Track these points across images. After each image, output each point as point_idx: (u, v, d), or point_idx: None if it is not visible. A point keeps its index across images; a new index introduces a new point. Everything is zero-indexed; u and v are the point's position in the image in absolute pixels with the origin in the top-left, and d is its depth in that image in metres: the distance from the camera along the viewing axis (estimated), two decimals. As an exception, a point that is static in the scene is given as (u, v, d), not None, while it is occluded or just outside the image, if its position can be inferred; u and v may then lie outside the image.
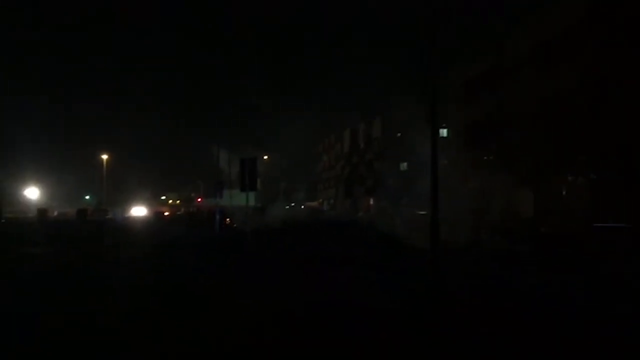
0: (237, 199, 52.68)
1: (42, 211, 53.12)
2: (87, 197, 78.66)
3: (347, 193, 60.71)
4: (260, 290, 8.78)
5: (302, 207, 67.32)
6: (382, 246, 17.31)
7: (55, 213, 63.43)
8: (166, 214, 59.88)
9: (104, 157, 68.80)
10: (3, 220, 43.88)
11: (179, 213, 66.77)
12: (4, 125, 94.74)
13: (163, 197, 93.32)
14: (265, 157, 66.30)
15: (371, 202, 55.68)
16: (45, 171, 66.59)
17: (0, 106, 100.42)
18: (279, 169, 70.68)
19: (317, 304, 7.53)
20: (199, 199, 78.30)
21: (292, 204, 71.08)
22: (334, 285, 9.27)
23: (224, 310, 7.21)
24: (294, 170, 73.62)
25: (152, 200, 78.52)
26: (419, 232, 19.87)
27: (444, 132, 34.94)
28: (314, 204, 70.13)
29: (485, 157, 32.46)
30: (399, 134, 47.48)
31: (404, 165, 47.10)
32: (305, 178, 74.52)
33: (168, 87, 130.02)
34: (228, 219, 36.02)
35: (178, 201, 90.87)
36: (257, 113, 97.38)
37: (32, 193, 64.34)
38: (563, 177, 26.64)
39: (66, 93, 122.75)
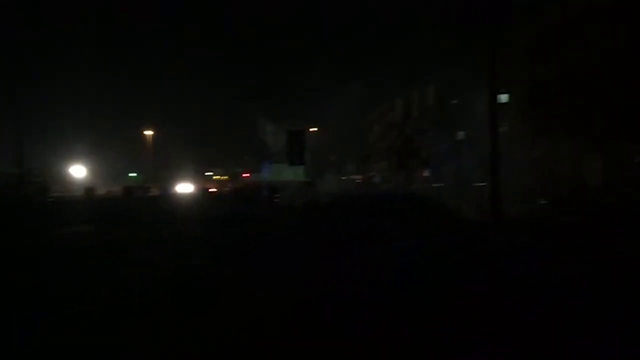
0: (285, 173, 52.81)
1: (89, 190, 54.34)
2: (133, 174, 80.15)
3: (400, 165, 59.58)
4: (279, 279, 8.25)
5: (358, 180, 66.76)
6: (433, 221, 16.42)
7: (102, 191, 64.94)
8: (212, 190, 60.34)
9: (148, 132, 69.73)
10: (50, 200, 44.97)
11: (225, 189, 67.31)
12: (50, 105, 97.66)
13: (209, 173, 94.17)
14: (314, 129, 65.78)
15: (425, 173, 54.72)
16: (90, 149, 68.12)
17: (46, 85, 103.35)
18: (329, 141, 70.11)
19: (331, 297, 7.02)
20: (245, 174, 78.64)
21: (344, 178, 70.47)
22: (363, 273, 8.49)
23: (233, 304, 6.88)
24: (344, 142, 72.89)
25: (198, 176, 79.21)
26: (475, 205, 19.05)
27: (504, 97, 33.48)
28: (361, 177, 69.45)
29: (550, 123, 30.90)
30: (455, 101, 46.08)
31: (460, 135, 45.74)
32: (356, 150, 73.79)
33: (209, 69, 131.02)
34: (277, 195, 35.61)
35: (225, 177, 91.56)
36: (304, 85, 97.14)
37: (79, 171, 65.84)
38: (636, 143, 25.02)
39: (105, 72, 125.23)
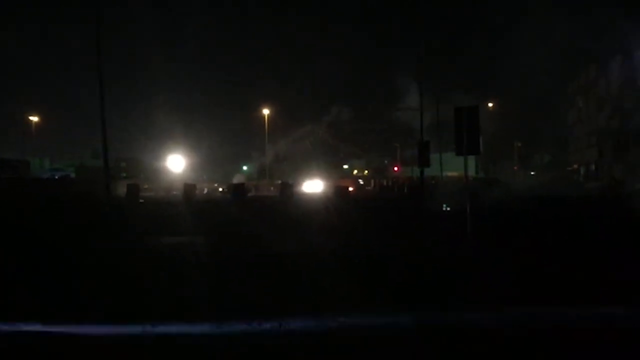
0: (450, 166, 51.08)
1: (189, 187, 54.84)
2: (245, 168, 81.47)
3: (618, 154, 56.55)
4: None
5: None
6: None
7: (206, 190, 65.98)
8: (350, 189, 59.48)
9: (265, 112, 69.87)
10: (141, 201, 45.87)
11: (367, 188, 66.47)
12: (140, 82, 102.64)
13: (345, 166, 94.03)
14: (490, 104, 63.67)
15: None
16: (194, 137, 69.70)
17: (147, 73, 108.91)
18: (510, 122, 67.75)
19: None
20: (396, 168, 77.54)
21: (532, 173, 67.59)
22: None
23: None
24: (532, 123, 70.42)
25: (330, 170, 79.06)
26: None
27: None
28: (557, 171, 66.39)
29: None
30: None
31: None
32: (549, 134, 71.06)
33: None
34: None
35: (366, 171, 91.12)
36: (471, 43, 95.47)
37: (177, 164, 66.23)
38: None
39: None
